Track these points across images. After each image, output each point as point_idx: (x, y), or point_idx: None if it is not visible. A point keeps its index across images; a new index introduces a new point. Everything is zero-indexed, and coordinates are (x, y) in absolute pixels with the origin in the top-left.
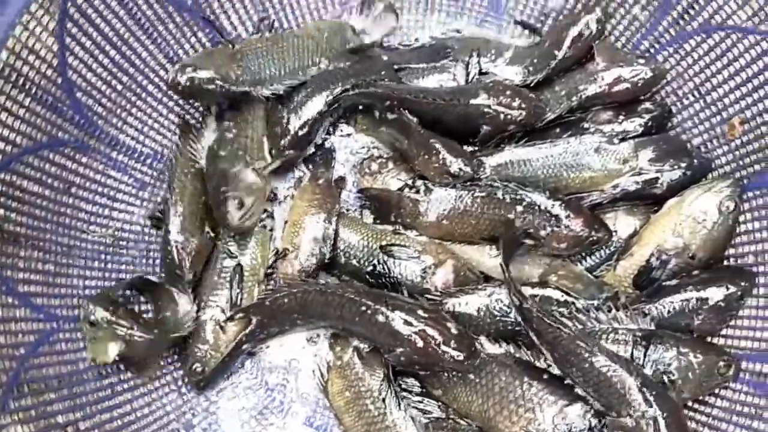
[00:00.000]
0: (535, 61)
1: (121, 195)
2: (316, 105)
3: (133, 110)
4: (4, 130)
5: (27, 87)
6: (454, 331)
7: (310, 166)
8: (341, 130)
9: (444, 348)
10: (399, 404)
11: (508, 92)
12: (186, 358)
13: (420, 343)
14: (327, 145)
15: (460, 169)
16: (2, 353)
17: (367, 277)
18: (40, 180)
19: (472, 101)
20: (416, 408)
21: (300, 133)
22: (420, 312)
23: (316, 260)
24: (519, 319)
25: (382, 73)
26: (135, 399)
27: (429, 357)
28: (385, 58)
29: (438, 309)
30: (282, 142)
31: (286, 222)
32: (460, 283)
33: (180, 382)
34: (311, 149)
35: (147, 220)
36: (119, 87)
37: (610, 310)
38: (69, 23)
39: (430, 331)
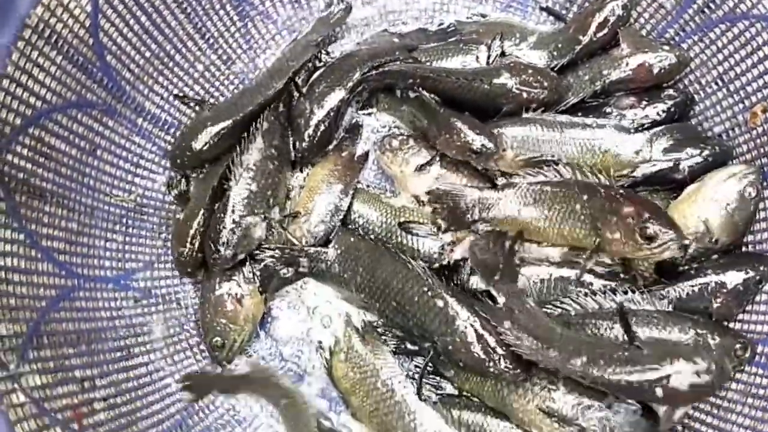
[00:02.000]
0: (560, 45)
1: (143, 162)
2: (338, 93)
3: (160, 78)
4: (35, 85)
5: (59, 45)
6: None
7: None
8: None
9: (493, 354)
10: (406, 382)
11: (529, 71)
12: (204, 332)
13: (471, 340)
14: (354, 120)
15: (483, 146)
16: (24, 304)
17: None
18: (67, 139)
19: (494, 80)
20: (428, 384)
21: (324, 124)
22: (480, 311)
23: (324, 228)
24: None
25: (397, 54)
26: (151, 362)
27: (475, 357)
28: (396, 41)
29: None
30: (306, 133)
31: (302, 187)
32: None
33: (196, 349)
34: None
35: (167, 189)
36: (147, 54)
37: (626, 293)
38: None
39: (486, 333)
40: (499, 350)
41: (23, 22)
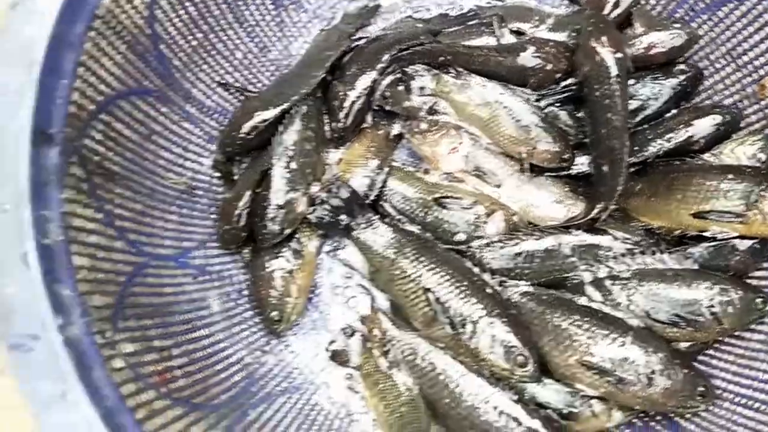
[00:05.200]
0: (578, 27)
1: (192, 146)
2: (369, 75)
3: (204, 66)
4: (104, 73)
5: (122, 34)
6: None
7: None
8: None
9: None
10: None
11: (550, 43)
12: (260, 307)
13: None
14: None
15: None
16: (108, 278)
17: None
18: (128, 124)
19: (521, 53)
20: None
21: (357, 105)
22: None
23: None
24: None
25: (422, 38)
26: (212, 335)
27: None
28: (419, 26)
29: None
30: (341, 114)
31: (340, 159)
32: (510, 231)
33: (251, 322)
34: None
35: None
36: (194, 43)
37: (654, 253)
38: None
39: None
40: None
41: (93, 12)
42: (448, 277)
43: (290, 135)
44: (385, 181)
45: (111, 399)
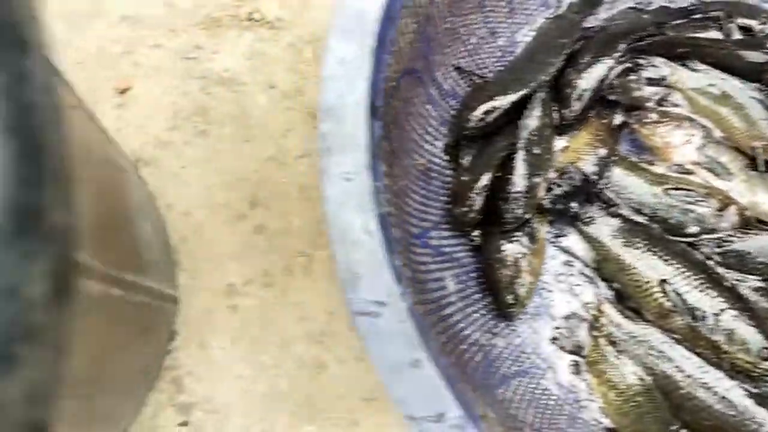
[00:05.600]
0: None
1: (430, 128)
2: (604, 63)
3: (446, 50)
4: (402, 51)
5: (417, 13)
6: None
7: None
8: None
9: None
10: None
11: None
12: (495, 290)
13: None
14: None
15: None
16: (400, 251)
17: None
18: (401, 103)
19: (761, 50)
20: None
21: (589, 93)
22: None
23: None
24: None
25: (649, 29)
26: (452, 315)
27: None
28: (645, 17)
29: None
30: (572, 102)
31: (567, 147)
32: (742, 225)
33: (480, 303)
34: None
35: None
36: (446, 26)
37: None
38: None
39: None
40: None
41: None
42: (684, 269)
43: (533, 120)
44: (611, 171)
45: (445, 366)
